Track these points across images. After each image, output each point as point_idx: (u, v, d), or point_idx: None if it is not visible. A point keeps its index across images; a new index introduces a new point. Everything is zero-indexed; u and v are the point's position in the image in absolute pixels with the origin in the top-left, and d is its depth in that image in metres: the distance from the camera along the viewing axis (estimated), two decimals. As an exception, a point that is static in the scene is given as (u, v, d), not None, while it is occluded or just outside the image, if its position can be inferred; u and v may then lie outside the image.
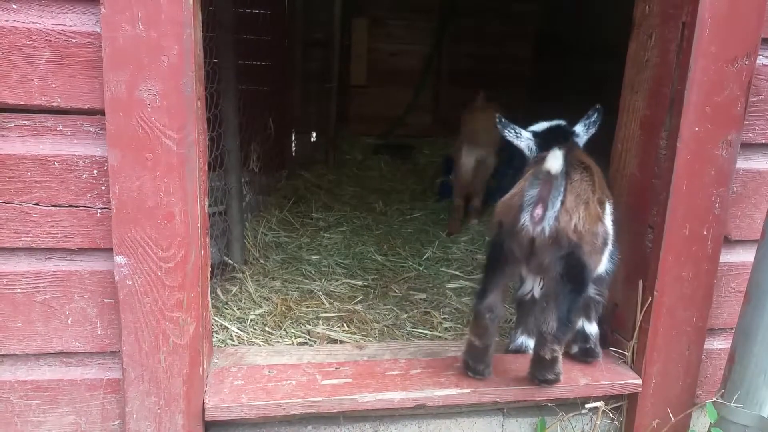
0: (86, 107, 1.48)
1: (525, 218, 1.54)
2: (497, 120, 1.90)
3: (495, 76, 5.92)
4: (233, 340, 2.29)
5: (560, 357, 1.75)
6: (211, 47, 2.42)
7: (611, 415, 1.97)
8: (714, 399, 1.73)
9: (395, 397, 1.76)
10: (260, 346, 2.23)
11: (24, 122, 1.48)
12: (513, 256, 1.66)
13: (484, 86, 5.84)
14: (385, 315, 2.52)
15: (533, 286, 1.91)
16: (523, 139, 1.88)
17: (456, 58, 6.01)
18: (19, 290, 1.57)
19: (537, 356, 1.75)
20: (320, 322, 2.45)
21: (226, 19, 2.61)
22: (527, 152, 1.88)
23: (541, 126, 1.94)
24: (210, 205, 1.76)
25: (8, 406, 1.63)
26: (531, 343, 1.98)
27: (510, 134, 1.88)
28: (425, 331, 2.45)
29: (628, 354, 1.94)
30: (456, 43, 5.96)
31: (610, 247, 1.76)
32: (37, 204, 1.52)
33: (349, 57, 5.71)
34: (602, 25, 4.63)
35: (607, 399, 1.92)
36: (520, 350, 2.01)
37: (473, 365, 1.81)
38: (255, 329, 2.37)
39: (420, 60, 5.98)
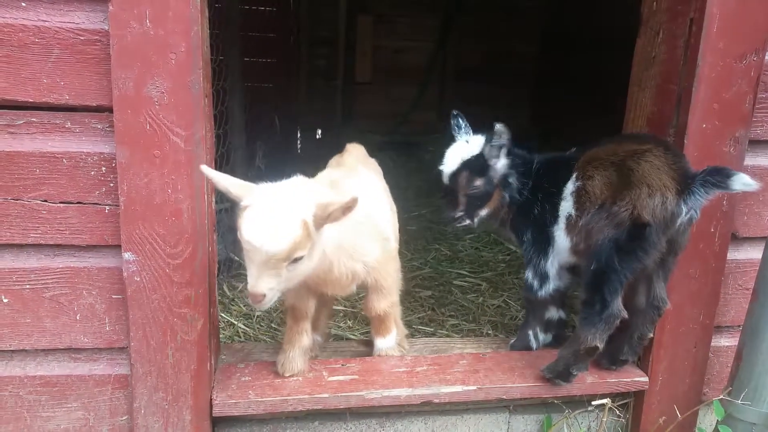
0: (94, 104, 1.48)
1: (683, 210, 1.61)
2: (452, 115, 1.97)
3: (500, 73, 5.92)
4: (240, 337, 2.30)
5: None
6: (217, 44, 2.43)
7: (618, 412, 1.96)
8: (721, 396, 1.73)
9: (401, 393, 1.77)
10: (267, 342, 2.24)
11: (33, 119, 1.48)
12: (658, 251, 1.67)
13: (489, 83, 5.88)
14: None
15: (554, 286, 1.91)
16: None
17: (461, 54, 5.99)
18: (28, 286, 1.58)
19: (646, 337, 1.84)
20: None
21: (233, 16, 2.61)
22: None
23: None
24: (216, 202, 1.76)
25: (18, 401, 1.64)
26: (542, 338, 2.01)
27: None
28: (431, 328, 2.45)
29: (635, 351, 1.94)
30: (461, 40, 5.95)
31: None
32: (45, 201, 1.52)
33: (354, 54, 5.71)
34: (609, 22, 4.61)
35: (614, 396, 1.91)
36: (529, 347, 2.01)
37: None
38: (261, 326, 2.38)
39: (425, 57, 5.97)
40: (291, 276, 1.48)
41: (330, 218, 1.46)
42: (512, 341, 2.05)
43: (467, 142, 1.95)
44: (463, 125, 1.99)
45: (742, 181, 1.55)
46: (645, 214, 1.61)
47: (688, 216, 1.62)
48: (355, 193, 1.46)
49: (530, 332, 2.01)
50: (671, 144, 1.73)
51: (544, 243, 1.87)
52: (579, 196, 1.75)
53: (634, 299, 1.80)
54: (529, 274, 1.92)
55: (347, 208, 1.44)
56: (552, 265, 1.89)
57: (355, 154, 2.07)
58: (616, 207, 1.64)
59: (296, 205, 1.45)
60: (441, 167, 1.93)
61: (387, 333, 1.92)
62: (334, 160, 2.04)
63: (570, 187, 1.78)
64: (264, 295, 1.44)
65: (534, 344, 2.01)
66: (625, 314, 1.70)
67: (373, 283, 1.81)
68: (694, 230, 1.77)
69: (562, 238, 1.83)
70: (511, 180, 1.89)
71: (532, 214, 1.88)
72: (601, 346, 1.71)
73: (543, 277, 1.90)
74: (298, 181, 1.60)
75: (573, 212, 1.76)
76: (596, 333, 1.69)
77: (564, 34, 5.62)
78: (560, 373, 1.80)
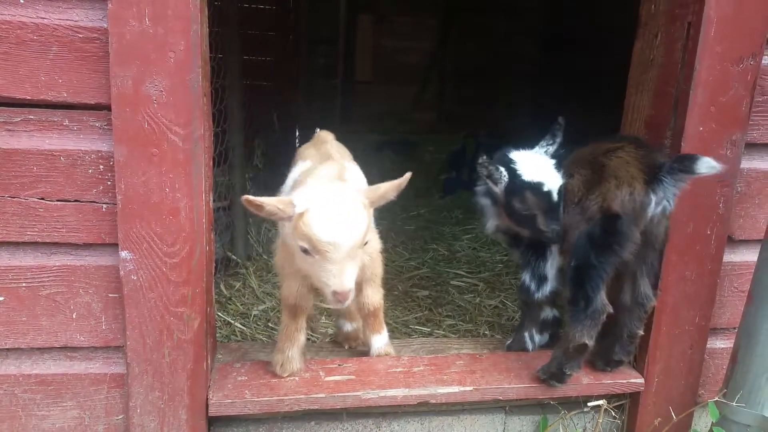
0: (92, 102, 1.48)
1: (652, 201, 1.65)
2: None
3: (499, 73, 5.93)
4: (237, 336, 2.30)
5: None
6: (216, 42, 2.43)
7: (613, 413, 1.97)
8: (716, 398, 1.73)
9: (398, 394, 1.77)
10: (264, 341, 2.24)
11: (30, 117, 1.48)
12: (632, 242, 1.69)
13: (489, 83, 5.89)
14: (388, 312, 2.53)
15: (550, 287, 1.91)
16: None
17: (461, 54, 6.00)
18: (24, 284, 1.57)
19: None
20: (323, 318, 2.46)
21: (232, 14, 2.61)
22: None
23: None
24: (214, 201, 1.76)
25: (13, 399, 1.64)
26: (538, 339, 2.02)
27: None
28: (428, 329, 2.46)
29: (631, 353, 1.95)
30: (461, 40, 5.96)
31: None
32: (42, 198, 1.52)
33: (354, 53, 5.72)
34: (607, 23, 4.61)
35: (610, 397, 1.92)
36: (525, 349, 2.01)
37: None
38: (258, 325, 2.38)
39: (425, 56, 5.98)
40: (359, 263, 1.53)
41: (381, 199, 1.52)
42: (509, 342, 2.05)
43: (544, 152, 1.88)
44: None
45: (707, 165, 1.59)
46: (614, 205, 1.65)
47: (660, 206, 1.66)
48: (361, 181, 1.45)
49: (526, 334, 2.01)
50: (644, 140, 1.78)
51: (543, 246, 1.87)
52: (564, 195, 1.76)
53: (619, 297, 1.82)
54: (526, 277, 1.92)
55: (399, 187, 1.52)
56: (551, 267, 1.90)
57: (330, 142, 2.03)
58: (588, 201, 1.69)
59: (350, 193, 1.51)
60: (539, 182, 1.75)
61: (382, 328, 1.92)
62: (307, 151, 1.98)
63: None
64: (351, 289, 1.46)
65: (530, 346, 2.01)
66: (609, 309, 1.72)
67: (370, 275, 1.82)
68: (690, 232, 1.77)
69: None
70: None
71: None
72: (590, 342, 1.73)
73: (541, 279, 1.91)
74: (328, 174, 1.65)
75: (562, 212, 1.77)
76: (583, 330, 1.71)
77: (564, 35, 5.63)
78: (554, 374, 1.81)
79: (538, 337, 2.02)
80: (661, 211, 1.67)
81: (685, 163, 1.61)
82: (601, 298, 1.70)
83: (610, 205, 1.65)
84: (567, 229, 1.74)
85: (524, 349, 2.01)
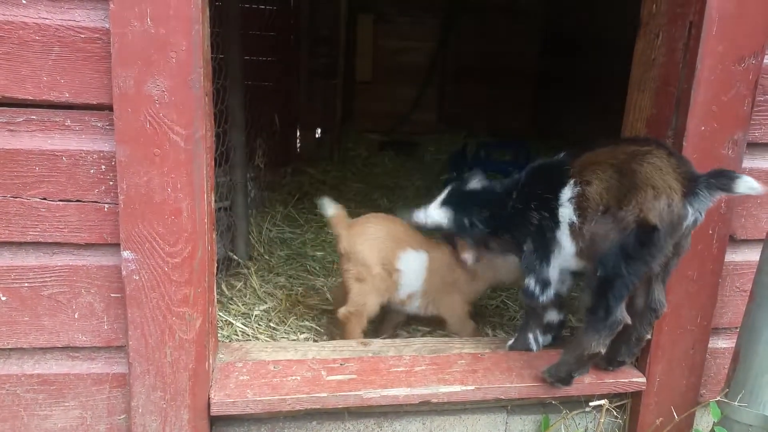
0: (94, 103, 1.48)
1: (689, 214, 1.61)
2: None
3: (500, 74, 5.92)
4: (238, 336, 2.30)
5: None
6: (217, 42, 2.43)
7: (615, 413, 1.97)
8: (718, 398, 1.73)
9: (400, 393, 1.77)
10: (265, 341, 2.24)
11: (32, 117, 1.48)
12: (664, 254, 1.67)
13: (489, 84, 5.89)
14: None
15: (555, 290, 1.90)
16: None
17: (461, 55, 6.00)
18: (26, 284, 1.58)
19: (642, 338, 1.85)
20: (324, 317, 2.46)
21: (233, 14, 2.61)
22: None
23: None
24: (215, 201, 1.76)
25: (15, 399, 1.65)
26: (542, 340, 2.02)
27: None
28: (429, 328, 2.45)
29: (633, 352, 1.95)
30: (461, 40, 5.95)
31: None
32: (44, 199, 1.52)
33: (354, 54, 5.71)
34: (608, 23, 4.62)
35: (611, 397, 1.92)
36: (529, 350, 2.01)
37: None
38: (260, 325, 2.38)
39: (425, 57, 5.97)
40: None
41: None
42: (510, 342, 2.05)
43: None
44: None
45: (747, 185, 1.53)
46: (652, 217, 1.58)
47: (693, 218, 1.61)
48: None
49: (530, 335, 2.01)
50: (672, 147, 1.72)
51: (545, 250, 1.85)
52: (579, 202, 1.71)
53: (633, 302, 1.79)
54: (530, 282, 1.88)
55: None
56: (554, 271, 1.87)
57: None
58: (623, 212, 1.61)
59: None
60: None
61: None
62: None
63: (567, 193, 1.74)
64: None
65: (534, 347, 2.01)
66: (628, 320, 1.70)
67: None
68: (693, 231, 1.77)
69: (567, 244, 1.79)
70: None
71: (531, 224, 1.84)
72: (603, 351, 1.73)
73: (545, 284, 1.88)
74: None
75: (575, 219, 1.73)
76: (600, 339, 1.70)
77: (564, 36, 5.63)
78: (562, 379, 1.82)
79: (543, 338, 2.02)
80: (693, 222, 1.63)
81: (723, 181, 1.55)
82: (621, 309, 1.68)
83: (648, 217, 1.58)
84: (593, 238, 1.69)
85: (528, 350, 2.01)
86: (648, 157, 1.63)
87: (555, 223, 1.78)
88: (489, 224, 1.94)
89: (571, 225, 1.75)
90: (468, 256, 2.09)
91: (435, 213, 2.01)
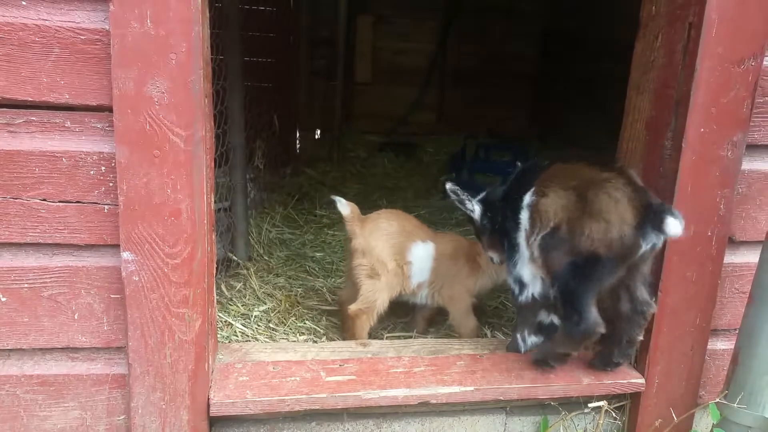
0: (94, 104, 1.48)
1: (642, 245, 1.67)
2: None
3: (499, 75, 5.93)
4: (238, 337, 2.30)
5: None
6: (217, 44, 2.43)
7: (614, 414, 1.97)
8: (717, 400, 1.73)
9: (399, 394, 1.77)
10: (265, 342, 2.24)
11: (32, 118, 1.48)
12: (617, 275, 1.72)
13: (489, 84, 5.89)
14: (388, 312, 2.53)
15: (533, 291, 1.93)
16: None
17: (461, 56, 6.00)
18: (26, 285, 1.58)
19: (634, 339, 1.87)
20: (324, 318, 2.46)
21: (233, 16, 2.61)
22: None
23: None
24: (215, 202, 1.76)
25: (15, 400, 1.65)
26: (531, 341, 2.02)
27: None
28: (428, 329, 2.46)
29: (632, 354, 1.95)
30: (461, 42, 5.96)
31: None
32: (44, 200, 1.53)
33: (354, 55, 5.71)
34: (608, 25, 4.62)
35: (610, 398, 1.92)
36: (518, 350, 2.01)
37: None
38: (259, 325, 2.38)
39: (425, 58, 5.98)
40: None
41: None
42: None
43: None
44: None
45: (671, 228, 1.60)
46: (602, 249, 1.64)
47: (650, 245, 1.67)
48: None
49: (518, 335, 2.02)
50: (633, 174, 1.74)
51: (512, 250, 1.90)
52: (532, 211, 1.77)
53: (618, 305, 1.82)
54: (510, 280, 1.95)
55: None
56: (521, 271, 1.90)
57: None
58: (576, 240, 1.66)
59: None
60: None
61: None
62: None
63: (527, 198, 1.80)
64: None
65: (522, 347, 2.01)
66: (602, 329, 1.72)
67: None
68: (691, 233, 1.77)
69: (523, 248, 1.85)
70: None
71: (505, 223, 1.91)
72: (576, 354, 1.84)
73: (521, 283, 1.92)
74: None
75: (527, 226, 1.80)
76: (572, 344, 1.80)
77: (564, 37, 5.63)
78: (538, 361, 1.89)
79: (533, 339, 2.02)
80: (651, 248, 1.68)
81: (660, 218, 1.62)
82: (593, 315, 1.71)
83: (598, 249, 1.64)
84: (546, 253, 1.74)
85: (517, 350, 2.01)
86: (606, 186, 1.67)
87: (516, 224, 1.84)
88: (492, 223, 1.99)
89: (525, 231, 1.81)
90: (494, 255, 2.10)
91: (476, 206, 2.04)
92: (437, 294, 2.33)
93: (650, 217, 1.63)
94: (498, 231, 1.97)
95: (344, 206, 2.21)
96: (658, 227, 1.62)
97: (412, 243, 2.25)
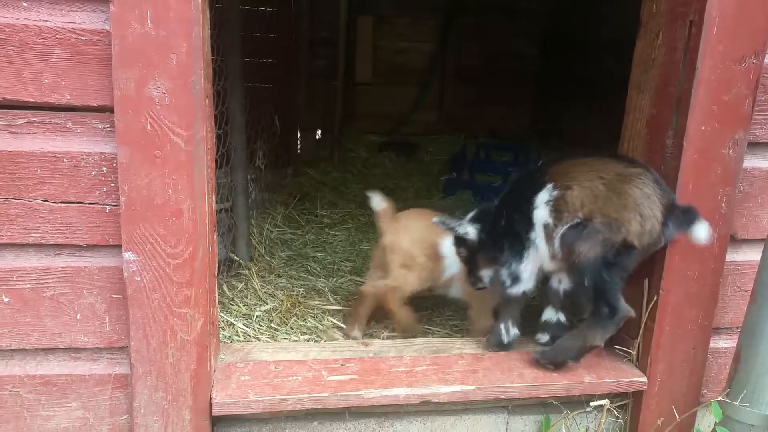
0: (95, 105, 1.49)
1: (661, 240, 1.77)
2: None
3: (500, 74, 5.93)
4: (239, 336, 2.30)
5: None
6: (218, 45, 2.43)
7: (616, 413, 1.97)
8: (719, 398, 1.73)
9: (400, 393, 1.77)
10: (266, 342, 2.24)
11: (34, 119, 1.49)
12: (636, 264, 1.81)
13: (490, 84, 5.89)
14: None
15: (525, 288, 1.97)
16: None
17: (461, 56, 6.00)
18: (28, 286, 1.58)
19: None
20: (326, 318, 2.47)
21: (233, 16, 2.62)
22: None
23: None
24: (216, 202, 1.77)
25: (18, 400, 1.65)
26: (513, 332, 2.04)
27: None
28: (430, 328, 2.46)
29: (633, 352, 1.95)
30: (461, 41, 5.96)
31: None
32: (46, 200, 1.53)
33: (354, 55, 5.72)
34: (608, 24, 4.62)
35: (612, 397, 1.92)
36: (500, 341, 2.03)
37: None
38: (261, 325, 2.38)
39: (425, 58, 5.98)
40: None
41: None
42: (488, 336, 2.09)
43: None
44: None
45: (699, 233, 1.72)
46: (635, 241, 1.73)
47: (664, 242, 1.78)
48: None
49: (501, 326, 2.03)
50: (657, 174, 1.80)
51: (518, 248, 1.93)
52: (557, 205, 1.81)
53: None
54: (503, 272, 1.98)
55: None
56: (525, 269, 1.94)
57: None
58: (611, 231, 1.73)
59: None
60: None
61: None
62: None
63: (544, 196, 1.84)
64: None
65: (505, 338, 2.02)
66: (632, 313, 1.80)
67: None
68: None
69: (542, 246, 1.88)
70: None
71: (510, 227, 1.95)
72: (602, 345, 1.84)
73: (515, 278, 1.96)
74: None
75: (550, 221, 1.83)
76: (604, 334, 1.82)
77: (564, 36, 5.63)
78: (557, 363, 1.90)
79: (515, 330, 2.03)
80: (663, 245, 1.79)
81: (688, 219, 1.73)
82: (623, 303, 1.79)
83: (632, 240, 1.72)
84: (571, 246, 1.77)
85: (500, 342, 2.02)
86: (637, 181, 1.74)
87: (529, 225, 1.88)
88: (491, 235, 2.03)
89: (546, 227, 1.84)
90: (484, 273, 2.12)
91: (469, 227, 2.08)
92: (465, 287, 2.34)
93: (674, 217, 1.72)
94: (500, 238, 1.99)
95: (379, 202, 2.25)
96: (685, 228, 1.72)
97: (445, 237, 2.28)
